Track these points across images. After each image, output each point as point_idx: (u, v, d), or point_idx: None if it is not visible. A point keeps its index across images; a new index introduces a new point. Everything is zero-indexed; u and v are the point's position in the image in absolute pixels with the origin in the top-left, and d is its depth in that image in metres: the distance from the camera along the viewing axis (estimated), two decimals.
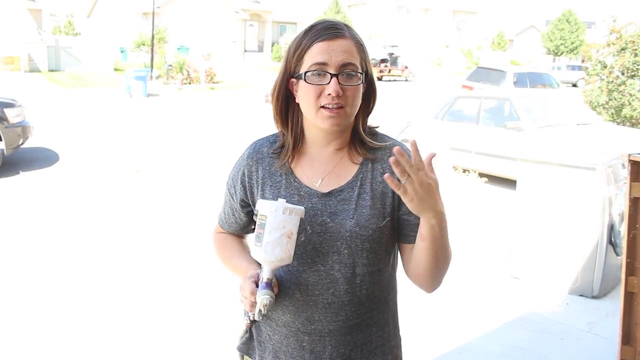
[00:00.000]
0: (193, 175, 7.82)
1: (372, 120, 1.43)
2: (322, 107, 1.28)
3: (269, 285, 1.27)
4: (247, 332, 1.47)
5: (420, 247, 1.28)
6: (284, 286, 1.35)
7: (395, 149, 1.14)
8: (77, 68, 25.49)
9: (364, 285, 1.35)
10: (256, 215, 1.33)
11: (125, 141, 10.38)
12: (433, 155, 1.17)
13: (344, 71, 1.28)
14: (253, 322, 1.43)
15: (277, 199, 1.29)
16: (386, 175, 1.15)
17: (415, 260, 1.33)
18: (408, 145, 1.43)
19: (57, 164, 8.39)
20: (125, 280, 4.29)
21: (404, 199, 1.17)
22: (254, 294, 1.28)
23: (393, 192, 1.34)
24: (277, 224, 1.24)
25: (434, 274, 1.31)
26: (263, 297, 1.25)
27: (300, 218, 1.27)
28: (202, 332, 3.49)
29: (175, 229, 5.52)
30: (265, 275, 1.27)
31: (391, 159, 1.13)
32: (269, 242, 1.24)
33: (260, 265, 1.33)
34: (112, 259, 4.71)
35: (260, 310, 1.27)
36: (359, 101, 1.33)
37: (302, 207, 1.28)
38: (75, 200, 6.49)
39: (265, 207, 1.26)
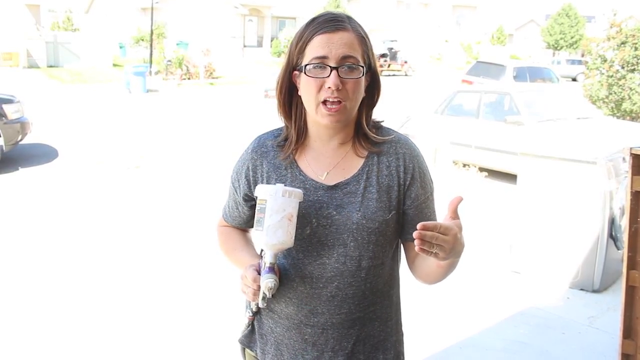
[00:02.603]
0: (192, 171, 7.80)
1: (375, 115, 1.42)
2: (323, 102, 1.27)
3: (272, 270, 1.27)
4: (249, 325, 1.46)
5: (434, 268, 1.27)
6: (287, 278, 1.35)
7: (416, 234, 1.06)
8: (76, 64, 25.40)
9: (368, 278, 1.34)
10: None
11: (125, 137, 10.36)
12: (460, 201, 1.14)
13: (344, 64, 1.26)
14: (255, 314, 1.43)
15: None
16: (417, 249, 1.08)
17: (425, 272, 1.33)
18: (413, 140, 1.43)
19: (56, 160, 8.38)
20: (126, 276, 4.29)
21: (436, 259, 1.14)
22: (256, 281, 1.27)
23: (398, 186, 1.34)
24: (278, 207, 1.24)
25: (441, 280, 1.33)
26: (267, 281, 1.25)
27: (300, 202, 1.27)
28: (203, 327, 3.49)
29: (175, 224, 5.52)
30: (268, 259, 1.27)
31: (416, 241, 1.07)
32: (270, 226, 1.23)
33: (262, 255, 1.33)
34: (112, 255, 4.71)
35: (264, 296, 1.26)
36: (360, 95, 1.31)
37: (301, 190, 1.28)
38: (75, 197, 6.48)
39: (264, 191, 1.26)
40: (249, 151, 1.44)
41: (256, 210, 1.28)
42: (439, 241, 1.09)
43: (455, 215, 1.14)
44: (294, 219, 1.25)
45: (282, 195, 1.24)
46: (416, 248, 1.08)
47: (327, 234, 1.31)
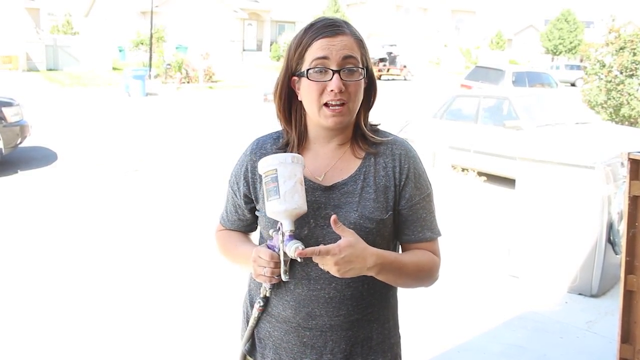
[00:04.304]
0: (191, 175, 7.81)
1: (372, 118, 1.44)
2: (325, 104, 1.29)
3: (293, 237, 1.25)
4: (257, 319, 1.44)
5: None
6: (284, 281, 1.34)
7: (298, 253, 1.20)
8: (75, 67, 25.47)
9: (366, 280, 1.34)
10: (258, 188, 1.37)
11: (124, 140, 10.37)
12: (334, 220, 1.20)
13: (345, 66, 1.29)
14: (266, 301, 1.40)
15: None
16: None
17: None
18: (412, 144, 1.45)
19: (56, 163, 8.38)
20: (124, 280, 4.28)
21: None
22: (273, 258, 1.28)
23: (394, 186, 1.36)
24: (289, 173, 1.25)
25: (410, 287, 1.40)
26: (296, 246, 1.22)
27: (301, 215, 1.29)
28: (200, 331, 3.49)
29: (174, 228, 5.51)
30: (287, 228, 1.26)
31: (297, 253, 1.20)
32: (287, 192, 1.24)
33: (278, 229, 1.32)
34: (110, 259, 4.70)
35: (285, 271, 1.26)
36: (361, 96, 1.34)
37: (301, 156, 1.31)
38: (74, 200, 6.48)
39: (272, 161, 1.27)
40: (247, 153, 1.45)
41: (265, 183, 1.28)
42: (318, 260, 1.20)
43: (341, 232, 1.20)
44: (304, 184, 1.28)
45: (291, 162, 1.26)
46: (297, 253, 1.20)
47: (324, 234, 1.32)
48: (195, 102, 17.32)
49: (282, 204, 1.24)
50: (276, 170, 1.25)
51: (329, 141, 1.39)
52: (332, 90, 1.27)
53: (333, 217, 1.19)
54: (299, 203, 1.25)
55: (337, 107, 1.29)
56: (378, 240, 1.34)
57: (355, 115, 1.37)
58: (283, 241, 1.26)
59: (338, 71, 1.28)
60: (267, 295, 1.39)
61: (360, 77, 1.31)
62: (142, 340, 3.39)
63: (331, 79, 1.28)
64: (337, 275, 1.20)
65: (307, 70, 1.29)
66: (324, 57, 1.28)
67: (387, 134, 1.42)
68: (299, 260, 1.23)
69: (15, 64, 24.38)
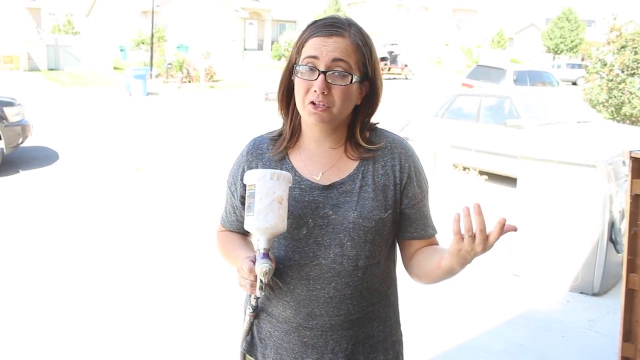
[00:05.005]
0: (193, 174, 7.81)
1: (373, 118, 1.43)
2: (311, 103, 1.29)
3: (266, 255, 1.25)
4: (251, 323, 1.44)
5: (434, 269, 1.31)
6: (284, 281, 1.35)
7: (476, 205, 1.13)
8: (76, 67, 25.48)
9: (365, 278, 1.35)
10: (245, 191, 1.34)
11: (125, 140, 10.37)
12: (514, 229, 1.17)
13: (333, 68, 1.27)
14: (256, 308, 1.40)
15: None
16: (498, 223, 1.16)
17: (423, 271, 1.36)
18: (410, 142, 1.44)
19: (57, 163, 8.38)
20: (126, 279, 4.29)
21: (453, 247, 1.18)
22: (252, 271, 1.26)
23: (394, 185, 1.35)
24: (267, 191, 1.23)
25: (435, 282, 1.37)
26: (262, 266, 1.23)
27: (290, 186, 1.28)
28: (202, 331, 3.49)
29: (176, 227, 5.52)
30: (261, 245, 1.25)
31: (464, 210, 1.12)
32: (260, 210, 1.23)
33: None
34: (112, 258, 4.71)
35: (261, 285, 1.25)
36: (349, 102, 1.32)
37: (289, 173, 1.29)
38: (75, 199, 6.49)
39: (252, 177, 1.26)
40: (244, 154, 1.45)
41: (246, 197, 1.28)
42: (478, 233, 1.16)
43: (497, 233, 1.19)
44: (285, 202, 1.25)
45: (270, 178, 1.24)
46: (464, 210, 1.12)
47: (323, 234, 1.32)
48: (196, 102, 17.32)
49: (255, 221, 1.23)
50: (255, 186, 1.24)
51: (322, 141, 1.38)
52: (315, 91, 1.27)
53: (502, 218, 1.17)
54: (272, 222, 1.23)
55: (319, 107, 1.28)
56: (377, 238, 1.34)
57: (352, 120, 1.36)
58: (257, 257, 1.26)
59: (325, 72, 1.27)
60: (254, 304, 1.39)
61: (347, 82, 1.29)
62: (142, 339, 3.39)
63: (316, 79, 1.27)
64: (485, 251, 1.19)
65: (298, 66, 1.30)
66: (314, 57, 1.28)
67: (384, 134, 1.41)
68: (263, 281, 1.24)
69: (16, 63, 24.40)
